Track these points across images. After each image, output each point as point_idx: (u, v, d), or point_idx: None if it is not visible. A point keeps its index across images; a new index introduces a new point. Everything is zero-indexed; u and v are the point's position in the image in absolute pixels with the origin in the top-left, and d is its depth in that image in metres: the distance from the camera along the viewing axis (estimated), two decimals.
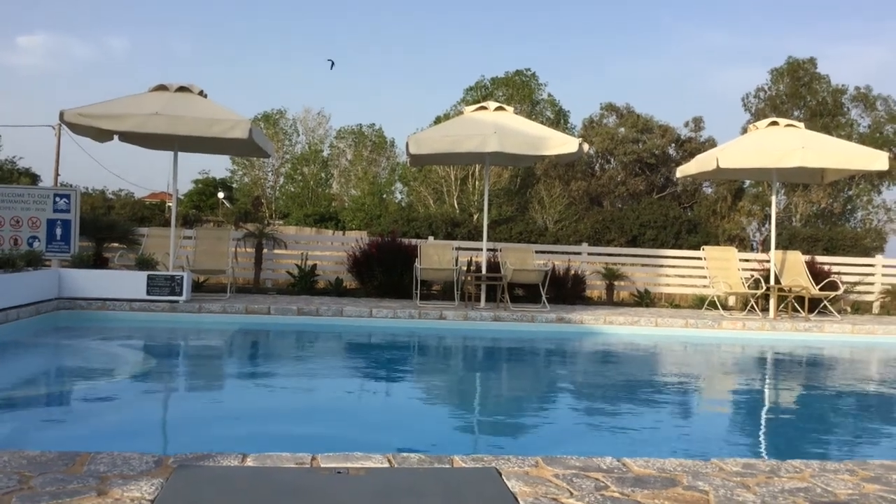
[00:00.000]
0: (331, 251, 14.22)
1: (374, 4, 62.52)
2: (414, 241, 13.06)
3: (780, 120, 11.82)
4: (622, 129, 29.98)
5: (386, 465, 3.22)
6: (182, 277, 9.91)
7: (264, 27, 64.79)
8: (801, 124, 11.83)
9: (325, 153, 45.17)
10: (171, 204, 11.64)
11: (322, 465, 3.17)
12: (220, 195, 44.25)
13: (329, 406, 5.54)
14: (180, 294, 9.85)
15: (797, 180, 16.74)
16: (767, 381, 7.71)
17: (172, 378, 6.64)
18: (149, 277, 9.83)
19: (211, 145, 11.30)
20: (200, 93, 10.57)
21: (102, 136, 10.54)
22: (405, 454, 3.36)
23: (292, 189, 43.97)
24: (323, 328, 9.59)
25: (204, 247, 11.80)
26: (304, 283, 12.67)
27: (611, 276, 13.48)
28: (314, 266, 13.03)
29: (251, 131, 9.74)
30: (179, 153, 10.97)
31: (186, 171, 70.43)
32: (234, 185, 46.42)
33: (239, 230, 13.86)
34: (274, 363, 7.65)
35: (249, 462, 3.19)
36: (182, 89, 10.43)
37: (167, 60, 63.63)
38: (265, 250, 13.04)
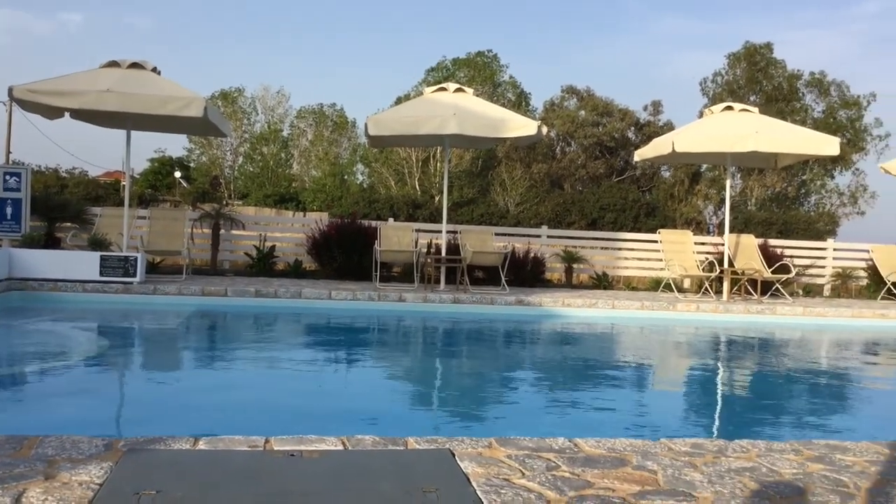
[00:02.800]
0: (291, 232, 14.10)
1: None
2: (374, 222, 13.01)
3: (734, 105, 12.00)
4: (582, 113, 30.13)
5: (340, 447, 3.22)
6: (136, 258, 9.74)
7: (222, 4, 63.58)
8: (756, 109, 12.02)
9: (285, 133, 44.64)
10: (125, 183, 11.41)
11: (275, 448, 3.16)
12: (177, 175, 43.58)
13: (285, 389, 5.51)
14: (134, 275, 9.69)
15: (751, 164, 17.03)
16: (719, 362, 7.87)
17: (125, 361, 6.54)
18: (102, 258, 9.64)
19: (165, 124, 11.09)
20: (154, 69, 10.35)
21: (53, 113, 10.28)
22: (360, 436, 3.37)
23: (251, 169, 43.41)
24: (281, 310, 9.53)
25: (158, 227, 11.61)
26: (263, 264, 12.56)
27: (570, 259, 13.58)
28: (273, 247, 12.92)
29: (206, 109, 9.58)
30: (133, 131, 10.76)
31: (142, 149, 69.09)
32: (192, 165, 45.69)
33: (196, 210, 13.65)
34: (230, 345, 7.58)
35: (201, 445, 3.16)
36: (135, 66, 10.20)
37: (123, 37, 62.18)
38: (222, 231, 12.87)
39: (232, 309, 9.47)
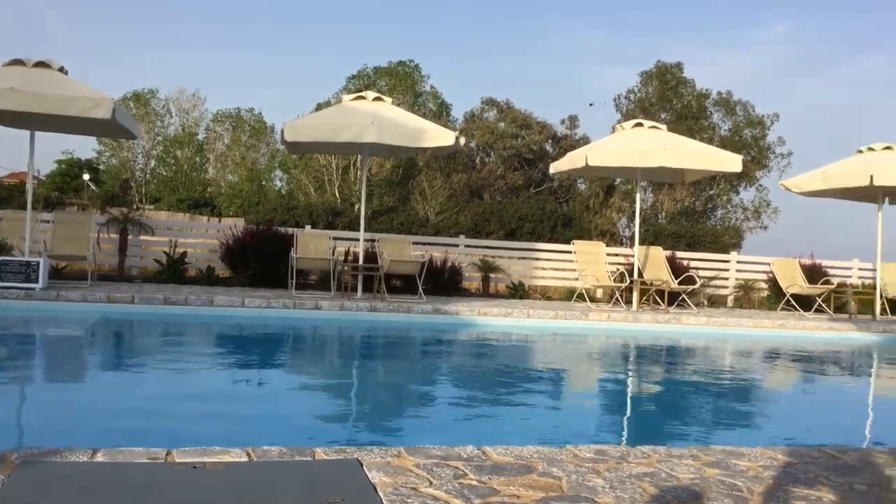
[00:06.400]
0: (204, 238, 13.78)
1: None
2: (291, 229, 12.86)
3: (644, 122, 12.42)
4: (502, 124, 30.52)
5: (245, 458, 3.17)
6: (38, 263, 9.36)
7: (136, 3, 61.72)
8: (664, 126, 12.48)
9: (200, 136, 43.61)
10: (29, 185, 10.96)
11: (177, 460, 3.08)
12: (86, 177, 42.02)
13: (191, 399, 5.38)
14: (36, 281, 9.30)
15: (660, 179, 17.61)
16: (627, 370, 8.10)
17: (23, 370, 6.26)
18: (2, 263, 9.23)
19: (71, 125, 10.70)
20: (61, 69, 9.99)
21: None
22: (266, 447, 3.32)
23: (164, 173, 42.22)
24: (192, 318, 9.29)
25: (63, 231, 11.18)
26: (173, 271, 12.23)
27: (487, 268, 13.74)
28: (184, 253, 12.60)
29: (115, 111, 9.29)
30: (38, 132, 10.36)
31: (50, 150, 66.14)
32: (101, 167, 44.12)
33: (104, 214, 13.20)
34: (135, 354, 7.35)
35: (100, 457, 3.06)
36: (40, 64, 9.82)
37: (29, 34, 59.55)
38: (131, 236, 12.48)
39: (139, 317, 9.18)
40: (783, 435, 5.20)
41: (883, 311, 13.31)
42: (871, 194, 13.10)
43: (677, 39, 52.73)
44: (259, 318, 9.53)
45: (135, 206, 28.41)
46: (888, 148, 12.53)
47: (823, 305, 13.50)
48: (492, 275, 13.90)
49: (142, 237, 12.75)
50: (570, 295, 13.54)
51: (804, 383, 7.92)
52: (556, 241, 19.73)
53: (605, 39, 57.22)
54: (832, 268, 15.24)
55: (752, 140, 30.20)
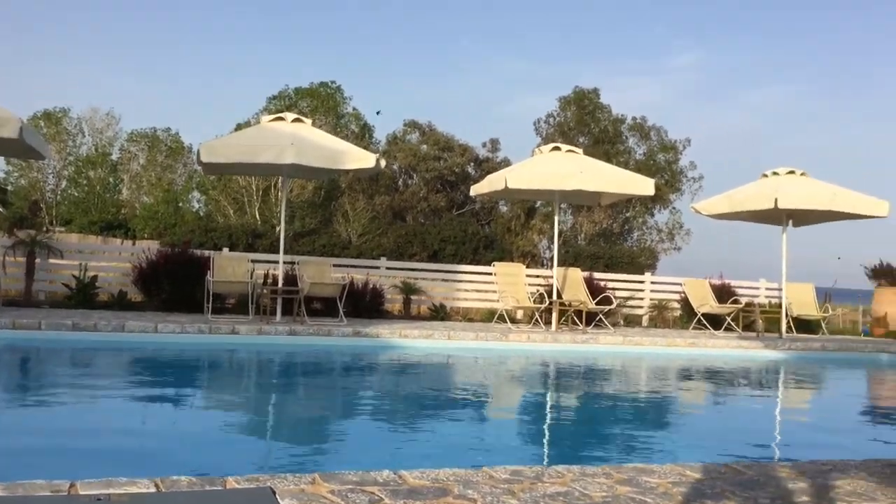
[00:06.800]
0: (117, 261, 13.35)
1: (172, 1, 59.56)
2: (207, 252, 12.59)
3: (561, 146, 12.73)
4: (424, 147, 30.70)
5: (153, 489, 3.08)
6: None
7: (48, 18, 59.67)
8: (580, 150, 12.81)
9: (114, 157, 42.32)
10: None
11: (81, 493, 2.97)
12: None
13: (98, 429, 5.18)
14: None
15: (578, 202, 18.01)
16: (546, 390, 8.21)
17: None
18: None
19: None
20: None
21: None
22: (175, 477, 3.23)
23: (76, 194, 40.76)
24: (102, 344, 8.96)
25: None
26: (83, 295, 11.78)
27: (408, 290, 13.74)
28: (95, 277, 12.15)
29: (22, 130, 8.95)
30: None
31: None
32: (10, 188, 42.28)
33: (11, 237, 12.64)
34: (40, 382, 7.05)
35: None
36: None
37: None
38: (38, 259, 11.99)
39: (46, 343, 8.81)
40: (693, 451, 5.35)
41: (788, 329, 13.89)
42: (775, 217, 13.71)
43: (593, 67, 54.36)
44: (173, 343, 9.27)
45: (44, 229, 27.33)
46: (791, 172, 13.15)
47: (733, 324, 14.01)
48: (414, 297, 13.91)
49: (51, 260, 12.26)
50: (491, 316, 13.66)
51: (714, 400, 8.19)
52: (479, 262, 19.91)
53: (525, 65, 58.47)
54: (740, 288, 15.83)
55: (665, 164, 31.16)
